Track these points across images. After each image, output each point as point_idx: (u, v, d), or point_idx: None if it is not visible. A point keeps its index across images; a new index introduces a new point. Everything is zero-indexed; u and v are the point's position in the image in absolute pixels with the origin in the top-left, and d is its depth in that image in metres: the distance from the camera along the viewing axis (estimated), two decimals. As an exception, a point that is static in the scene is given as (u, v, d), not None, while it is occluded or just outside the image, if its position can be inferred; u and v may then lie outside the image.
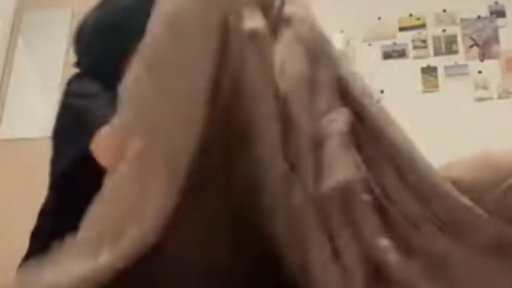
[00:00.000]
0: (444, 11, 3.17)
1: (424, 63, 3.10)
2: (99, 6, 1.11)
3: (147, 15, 0.80)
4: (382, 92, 3.08)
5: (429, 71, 3.07)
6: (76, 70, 1.14)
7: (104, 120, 0.85)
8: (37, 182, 2.73)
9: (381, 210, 0.62)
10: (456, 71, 3.04)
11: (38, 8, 3.04)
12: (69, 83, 1.11)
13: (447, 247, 0.61)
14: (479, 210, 0.63)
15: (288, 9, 0.74)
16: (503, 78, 2.96)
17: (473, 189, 0.65)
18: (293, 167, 0.62)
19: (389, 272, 0.58)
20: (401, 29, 3.20)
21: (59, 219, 1.04)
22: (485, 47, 3.04)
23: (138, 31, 0.81)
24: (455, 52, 3.08)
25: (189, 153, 0.59)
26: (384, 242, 0.59)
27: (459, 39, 3.10)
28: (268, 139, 0.62)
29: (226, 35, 0.64)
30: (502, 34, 3.05)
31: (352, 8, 3.27)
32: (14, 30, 3.03)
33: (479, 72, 3.00)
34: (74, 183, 1.00)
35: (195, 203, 0.61)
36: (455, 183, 0.66)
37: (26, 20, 3.04)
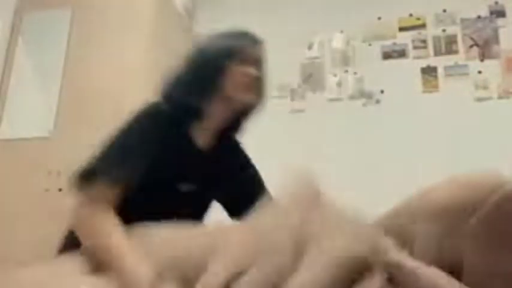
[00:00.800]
0: (444, 11, 3.17)
1: (424, 63, 3.10)
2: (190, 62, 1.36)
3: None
4: (382, 92, 3.08)
5: (429, 71, 3.07)
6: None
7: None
8: (37, 182, 2.73)
9: None
10: (456, 71, 3.03)
11: (38, 8, 3.03)
12: (145, 114, 1.25)
13: None
14: None
15: None
16: (503, 78, 2.96)
17: (463, 210, 0.64)
18: None
19: None
20: (401, 29, 3.20)
21: None
22: (485, 47, 3.04)
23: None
24: (455, 52, 3.08)
25: None
26: None
27: (459, 39, 3.10)
28: None
29: None
30: (502, 34, 3.04)
31: (352, 8, 3.27)
32: (14, 30, 3.03)
33: (479, 72, 3.00)
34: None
35: None
36: (444, 211, 0.65)
37: (26, 20, 3.04)
